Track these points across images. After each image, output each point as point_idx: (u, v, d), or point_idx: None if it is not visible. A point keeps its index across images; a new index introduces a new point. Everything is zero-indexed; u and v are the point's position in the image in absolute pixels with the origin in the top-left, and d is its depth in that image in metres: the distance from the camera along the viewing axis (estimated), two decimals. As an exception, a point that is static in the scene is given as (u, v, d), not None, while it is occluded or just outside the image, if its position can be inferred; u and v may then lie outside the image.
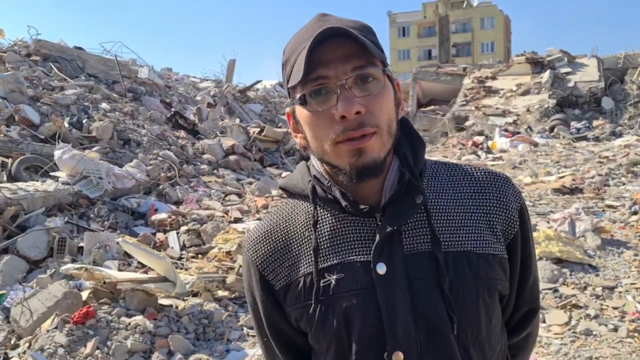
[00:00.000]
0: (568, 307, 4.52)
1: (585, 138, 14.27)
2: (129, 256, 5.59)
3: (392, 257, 1.00)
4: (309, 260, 1.05)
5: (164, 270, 4.73)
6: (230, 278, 5.14)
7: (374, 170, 0.98)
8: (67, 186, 6.90)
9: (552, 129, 15.42)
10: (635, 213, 6.80)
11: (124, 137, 9.65)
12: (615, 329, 4.13)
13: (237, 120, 13.54)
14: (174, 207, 7.39)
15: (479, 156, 13.09)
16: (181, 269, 5.54)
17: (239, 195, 8.54)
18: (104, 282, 4.65)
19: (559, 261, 5.28)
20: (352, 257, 1.02)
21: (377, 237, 1.00)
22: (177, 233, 6.48)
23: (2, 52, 12.30)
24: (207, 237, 6.28)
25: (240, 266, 5.24)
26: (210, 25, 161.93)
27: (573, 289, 4.86)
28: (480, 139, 15.32)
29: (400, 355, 0.98)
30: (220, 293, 5.03)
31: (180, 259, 5.95)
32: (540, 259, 5.19)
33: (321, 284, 1.03)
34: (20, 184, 6.64)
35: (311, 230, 1.06)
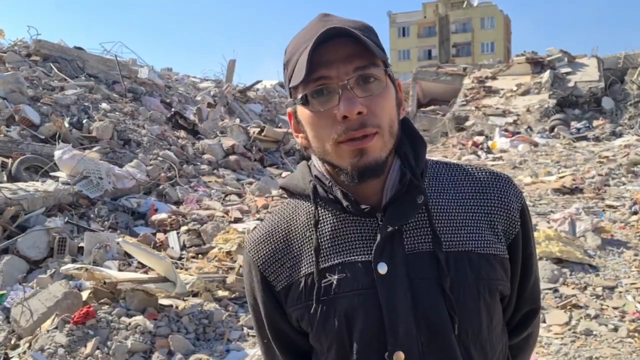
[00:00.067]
0: (568, 307, 4.52)
1: (585, 138, 14.27)
2: (129, 256, 5.59)
3: (393, 256, 1.00)
4: (310, 260, 1.05)
5: (164, 270, 4.73)
6: (231, 278, 5.14)
7: (376, 171, 0.98)
8: (67, 186, 6.90)
9: (552, 129, 15.42)
10: (635, 213, 6.80)
11: (124, 137, 9.65)
12: (616, 329, 4.13)
13: (237, 121, 13.54)
14: (174, 207, 7.39)
15: (479, 156, 13.09)
16: (181, 269, 5.54)
17: (239, 195, 8.54)
18: (104, 282, 4.65)
19: (559, 261, 5.28)
20: (353, 257, 1.02)
21: (378, 237, 1.00)
22: (177, 233, 6.48)
23: (2, 52, 12.30)
24: (207, 237, 6.28)
25: (241, 266, 5.24)
26: (210, 25, 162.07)
27: (573, 289, 4.86)
28: (480, 139, 15.32)
29: (401, 355, 0.98)
30: (221, 293, 5.03)
31: (180, 259, 5.95)
32: (541, 259, 5.19)
33: (322, 284, 1.03)
34: (21, 184, 6.64)
35: (312, 230, 1.06)
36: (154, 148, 9.69)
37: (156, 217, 6.89)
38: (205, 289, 4.99)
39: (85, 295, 4.53)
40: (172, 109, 12.74)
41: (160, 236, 6.44)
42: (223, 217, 7.01)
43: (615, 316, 4.35)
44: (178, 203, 7.77)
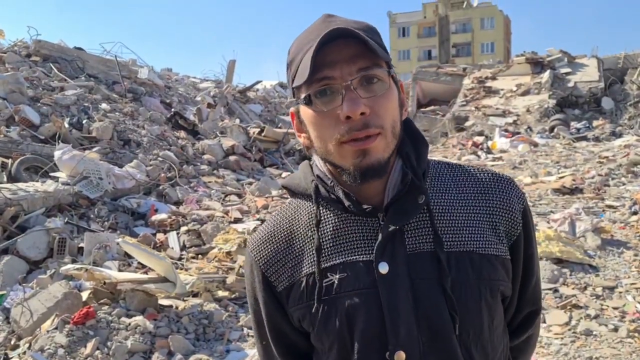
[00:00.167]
0: (568, 307, 4.52)
1: (585, 138, 14.26)
2: (129, 256, 5.59)
3: (394, 256, 1.00)
4: (312, 260, 1.06)
5: (164, 270, 4.73)
6: (231, 278, 5.14)
7: (378, 171, 0.98)
8: (67, 187, 6.90)
9: (552, 129, 15.42)
10: (635, 213, 6.80)
11: (124, 138, 9.65)
12: (616, 329, 4.13)
13: (237, 121, 13.55)
14: (174, 208, 7.39)
15: (479, 156, 13.09)
16: (181, 269, 5.54)
17: (239, 195, 8.54)
18: (104, 283, 4.65)
19: (559, 261, 5.28)
20: (354, 257, 1.03)
21: (380, 237, 1.01)
22: (177, 233, 6.48)
23: (2, 53, 12.31)
24: (207, 238, 6.28)
25: (241, 266, 5.24)
26: (210, 26, 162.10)
27: (573, 289, 4.86)
28: (480, 139, 15.32)
29: (402, 354, 0.98)
30: (221, 293, 5.03)
31: (180, 259, 5.95)
32: (541, 259, 5.19)
33: (324, 284, 1.03)
34: (20, 185, 6.64)
35: (314, 230, 1.06)
36: (154, 148, 9.69)
37: (156, 217, 6.89)
38: (205, 289, 4.99)
39: (85, 295, 4.53)
40: (172, 110, 12.74)
41: (160, 236, 6.44)
42: (223, 217, 7.01)
43: (615, 316, 4.35)
44: (178, 203, 7.77)
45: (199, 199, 7.89)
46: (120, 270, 5.27)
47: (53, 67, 12.24)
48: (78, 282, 4.84)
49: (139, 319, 4.26)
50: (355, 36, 0.95)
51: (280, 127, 13.80)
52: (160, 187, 8.09)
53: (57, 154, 7.32)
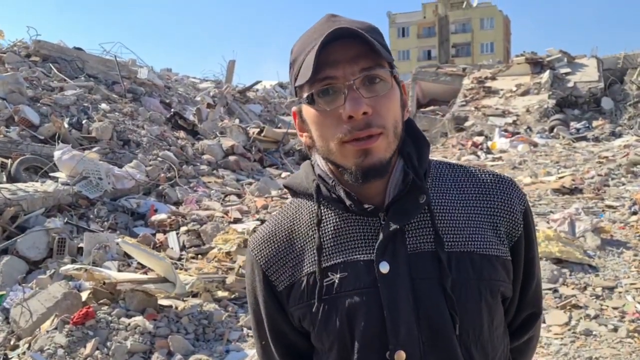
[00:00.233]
0: (568, 307, 4.52)
1: (584, 138, 14.26)
2: (129, 257, 5.59)
3: (395, 256, 1.00)
4: (313, 259, 1.06)
5: (164, 270, 4.73)
6: (230, 278, 5.14)
7: (380, 171, 0.98)
8: (66, 187, 6.90)
9: (551, 129, 15.42)
10: (635, 213, 6.80)
11: (124, 138, 9.65)
12: (615, 329, 4.13)
13: (237, 121, 13.55)
14: (173, 208, 7.39)
15: (478, 156, 13.08)
16: (181, 269, 5.54)
17: (239, 195, 8.53)
18: (104, 283, 4.65)
19: (558, 261, 5.28)
20: (355, 256, 1.03)
21: (381, 236, 1.01)
22: (177, 234, 6.47)
23: (2, 53, 12.30)
24: (207, 238, 6.28)
25: (240, 267, 5.24)
26: (210, 26, 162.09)
27: (573, 289, 4.86)
28: (479, 139, 15.31)
29: (403, 354, 0.98)
30: (220, 293, 5.03)
31: (180, 259, 5.94)
32: (540, 259, 5.18)
33: (324, 283, 1.03)
34: (20, 185, 6.64)
35: (315, 230, 1.06)
36: (154, 148, 9.69)
37: (156, 217, 6.88)
38: (204, 289, 4.98)
39: (84, 295, 4.52)
40: (172, 110, 12.74)
41: (159, 237, 6.44)
42: (222, 217, 7.01)
43: (615, 316, 4.35)
44: (177, 203, 7.76)
45: (198, 199, 7.89)
46: (119, 271, 5.27)
47: (52, 67, 12.23)
48: (78, 283, 4.84)
49: (138, 319, 4.26)
50: (358, 36, 0.95)
51: (279, 127, 13.80)
52: (160, 187, 8.08)
53: (56, 154, 7.32)
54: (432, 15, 58.88)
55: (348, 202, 1.02)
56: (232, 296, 5.04)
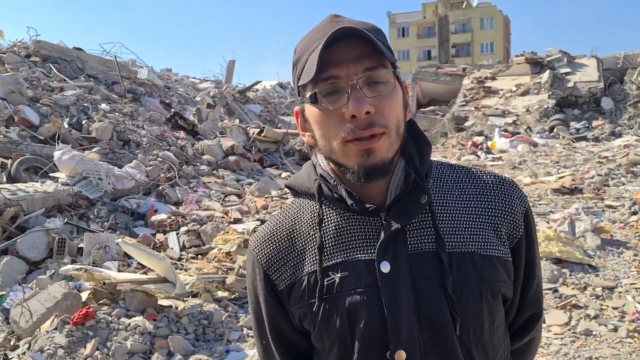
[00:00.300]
0: (568, 307, 4.52)
1: (584, 138, 14.26)
2: (129, 257, 5.59)
3: (396, 255, 1.01)
4: (314, 258, 1.06)
5: (164, 271, 4.73)
6: (230, 279, 5.14)
7: (382, 171, 0.99)
8: (66, 187, 6.90)
9: (551, 129, 15.42)
10: (634, 213, 6.80)
11: (124, 138, 9.65)
12: (615, 329, 4.13)
13: (237, 121, 13.55)
14: (173, 208, 7.39)
15: (478, 156, 13.07)
16: (181, 269, 5.54)
17: (239, 195, 8.53)
18: (104, 283, 4.65)
19: (558, 261, 5.28)
20: (356, 256, 1.03)
21: (382, 235, 1.01)
22: (177, 234, 6.47)
23: (2, 53, 12.30)
24: (207, 238, 6.28)
25: (240, 267, 5.24)
26: (210, 26, 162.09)
27: (573, 289, 4.86)
28: (479, 139, 15.31)
29: (403, 354, 0.98)
30: (220, 294, 5.03)
31: (180, 259, 5.94)
32: (540, 259, 5.18)
33: (325, 283, 1.03)
34: (20, 185, 6.64)
35: (316, 229, 1.06)
36: (154, 149, 9.69)
37: (156, 217, 6.88)
38: (204, 289, 4.98)
39: (84, 296, 4.52)
40: (172, 110, 12.74)
41: (159, 237, 6.44)
42: (223, 217, 7.01)
43: (615, 316, 4.35)
44: (177, 204, 7.76)
45: (198, 200, 7.89)
46: (119, 271, 5.27)
47: (52, 67, 12.24)
48: (78, 283, 4.84)
49: (138, 319, 4.26)
50: (362, 36, 0.95)
51: (279, 128, 13.79)
52: (160, 188, 8.08)
53: (56, 154, 7.32)
54: (432, 15, 58.88)
55: (350, 202, 1.02)
56: (232, 296, 5.04)
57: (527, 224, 1.09)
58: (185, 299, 4.84)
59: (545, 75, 18.33)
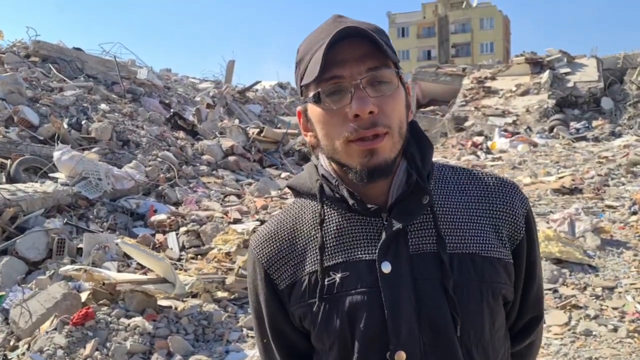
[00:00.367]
0: (568, 307, 4.52)
1: (584, 138, 14.26)
2: (128, 257, 5.59)
3: (397, 256, 1.00)
4: (315, 258, 1.06)
5: (163, 271, 4.73)
6: (230, 279, 5.13)
7: (385, 171, 0.99)
8: (66, 187, 6.90)
9: (551, 129, 15.42)
10: (634, 213, 6.80)
11: (123, 138, 9.65)
12: (615, 330, 4.12)
13: (236, 121, 13.54)
14: (173, 208, 7.39)
15: (478, 156, 13.07)
16: (180, 270, 5.53)
17: (238, 196, 8.53)
18: (103, 284, 4.64)
19: (558, 261, 5.28)
20: (357, 256, 1.03)
21: (383, 236, 1.01)
22: (177, 234, 6.47)
23: (1, 53, 12.30)
24: (207, 238, 6.27)
25: (240, 267, 5.24)
26: (210, 26, 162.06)
27: (573, 289, 4.86)
28: (479, 139, 15.31)
29: (403, 355, 0.98)
30: (220, 294, 5.03)
31: (179, 260, 5.94)
32: (540, 259, 5.19)
33: (326, 282, 1.03)
34: (20, 185, 6.64)
35: (317, 229, 1.06)
36: (153, 149, 9.69)
37: (155, 218, 6.88)
38: (204, 290, 4.98)
39: (84, 296, 4.52)
40: (171, 110, 12.74)
41: (159, 237, 6.44)
42: (222, 218, 7.01)
43: (615, 316, 4.35)
44: (177, 204, 7.76)
45: (198, 200, 7.88)
46: (119, 271, 5.26)
47: (52, 67, 12.23)
48: (77, 283, 4.84)
49: (138, 319, 4.26)
50: (366, 36, 0.96)
51: (279, 128, 13.79)
52: (160, 188, 8.08)
53: (56, 154, 7.32)
54: (432, 15, 58.90)
55: (351, 202, 1.02)
56: (232, 297, 5.04)
57: (528, 226, 1.09)
58: (184, 299, 4.84)
59: (545, 75, 18.33)
